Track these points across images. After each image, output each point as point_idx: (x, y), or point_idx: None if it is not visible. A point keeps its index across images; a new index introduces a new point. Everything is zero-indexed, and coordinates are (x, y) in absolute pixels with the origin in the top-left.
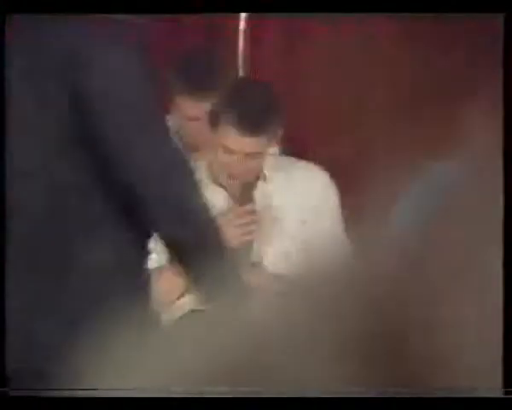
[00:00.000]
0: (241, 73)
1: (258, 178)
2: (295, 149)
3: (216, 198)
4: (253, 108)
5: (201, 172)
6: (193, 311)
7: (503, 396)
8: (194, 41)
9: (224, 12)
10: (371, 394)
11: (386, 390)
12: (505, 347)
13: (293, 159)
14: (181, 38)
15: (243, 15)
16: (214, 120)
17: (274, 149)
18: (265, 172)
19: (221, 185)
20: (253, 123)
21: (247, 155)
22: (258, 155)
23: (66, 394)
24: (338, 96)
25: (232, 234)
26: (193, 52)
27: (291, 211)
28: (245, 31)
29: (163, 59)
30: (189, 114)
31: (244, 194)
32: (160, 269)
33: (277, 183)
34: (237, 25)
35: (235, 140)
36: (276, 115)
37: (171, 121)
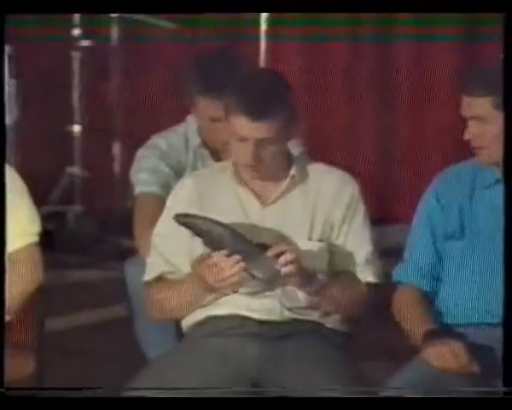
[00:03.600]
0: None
1: (282, 177)
2: (317, 155)
3: (242, 199)
4: (259, 93)
5: (227, 174)
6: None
7: (503, 396)
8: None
9: (245, 12)
10: (371, 394)
11: (386, 390)
12: (505, 347)
13: (321, 164)
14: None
15: (264, 16)
16: (227, 113)
17: (300, 152)
18: (293, 172)
19: (246, 185)
20: (259, 107)
21: (259, 141)
22: (270, 141)
23: (63, 394)
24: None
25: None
26: (212, 52)
27: (319, 214)
28: (266, 31)
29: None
30: (209, 114)
31: (270, 193)
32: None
33: (305, 187)
34: (258, 25)
35: (245, 126)
36: (283, 99)
37: (192, 119)
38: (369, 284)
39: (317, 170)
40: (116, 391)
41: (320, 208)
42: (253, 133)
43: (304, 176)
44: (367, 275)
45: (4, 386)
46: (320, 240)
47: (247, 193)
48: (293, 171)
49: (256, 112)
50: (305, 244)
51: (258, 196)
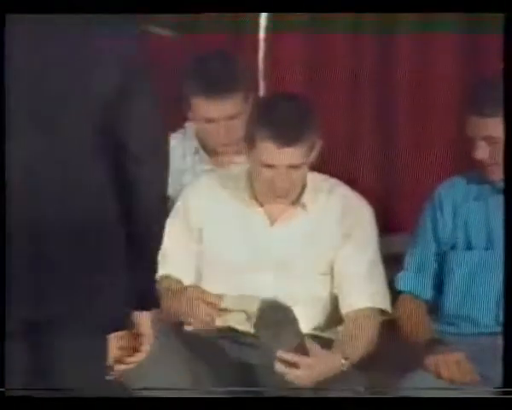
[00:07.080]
0: (260, 74)
1: (294, 202)
2: (318, 165)
3: (252, 217)
4: (287, 120)
5: (239, 185)
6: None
7: (503, 396)
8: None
9: (244, 12)
10: (369, 394)
11: (384, 390)
12: (505, 347)
13: (330, 183)
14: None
15: (263, 18)
16: (250, 140)
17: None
18: (304, 201)
19: (260, 204)
20: (289, 134)
21: (290, 166)
22: (299, 165)
23: (63, 394)
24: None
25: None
26: (209, 53)
27: (327, 236)
28: (265, 36)
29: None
30: (206, 115)
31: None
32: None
33: (316, 209)
34: (257, 27)
35: (275, 154)
36: (311, 123)
37: (191, 124)
38: (370, 309)
39: (325, 192)
40: (116, 391)
41: (324, 235)
42: (283, 160)
43: (313, 202)
44: (367, 300)
45: (4, 386)
46: (323, 270)
47: (260, 212)
48: (304, 199)
49: (286, 139)
50: (307, 273)
51: (270, 216)
